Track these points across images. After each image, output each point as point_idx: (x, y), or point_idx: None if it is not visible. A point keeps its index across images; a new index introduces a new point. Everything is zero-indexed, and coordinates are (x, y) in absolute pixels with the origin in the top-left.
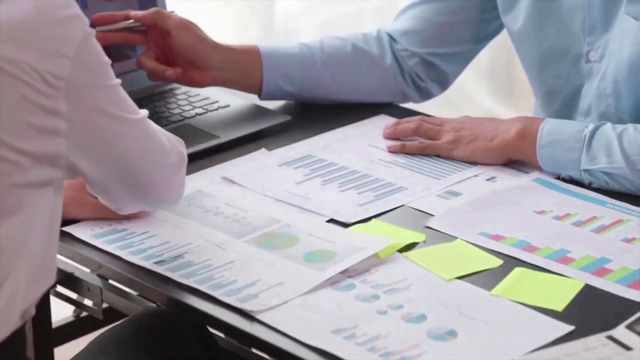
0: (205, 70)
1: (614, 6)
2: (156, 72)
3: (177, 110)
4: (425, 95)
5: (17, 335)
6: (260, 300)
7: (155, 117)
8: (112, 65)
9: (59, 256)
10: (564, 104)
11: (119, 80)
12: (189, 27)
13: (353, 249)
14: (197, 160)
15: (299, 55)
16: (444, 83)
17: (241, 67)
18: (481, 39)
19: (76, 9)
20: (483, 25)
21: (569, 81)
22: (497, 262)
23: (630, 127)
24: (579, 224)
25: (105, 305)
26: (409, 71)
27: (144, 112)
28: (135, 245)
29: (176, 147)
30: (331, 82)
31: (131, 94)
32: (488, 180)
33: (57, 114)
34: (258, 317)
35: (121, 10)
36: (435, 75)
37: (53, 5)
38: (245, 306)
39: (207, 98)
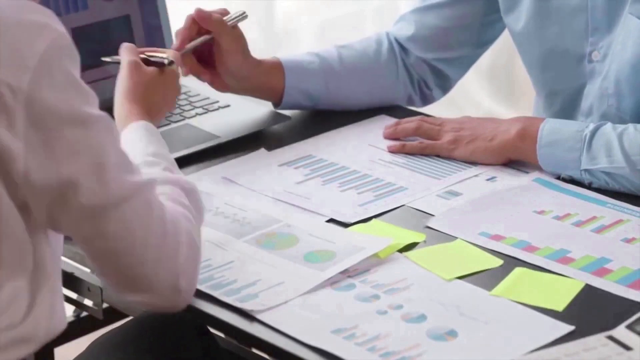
0: (233, 80)
1: (618, 6)
2: (194, 71)
3: (177, 110)
4: (427, 101)
5: None
6: (260, 300)
7: None
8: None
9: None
10: (565, 103)
11: (102, 114)
12: (241, 47)
13: (353, 249)
14: (197, 160)
15: (321, 72)
16: (446, 88)
17: (265, 81)
18: (485, 42)
19: (45, 18)
20: (487, 28)
21: (571, 81)
22: (497, 262)
23: (630, 127)
24: (579, 224)
25: (105, 305)
26: (417, 79)
27: (148, 177)
28: None
29: (180, 226)
30: (348, 96)
31: None
32: (488, 180)
33: (13, 131)
34: (258, 317)
35: (121, 9)
36: (439, 81)
37: (20, 8)
38: (245, 306)
39: (207, 98)
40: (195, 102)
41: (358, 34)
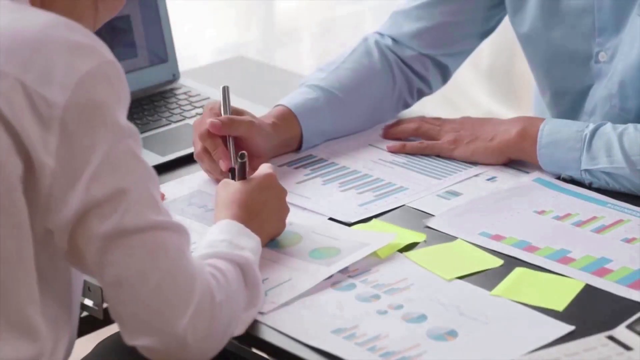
0: (257, 158)
1: (625, 8)
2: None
3: (177, 110)
4: (424, 96)
5: None
6: (269, 298)
7: (156, 117)
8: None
9: None
10: (571, 104)
11: (136, 152)
12: (258, 128)
13: (357, 245)
14: None
15: (327, 106)
16: (446, 79)
17: (284, 141)
18: (489, 32)
19: (95, 43)
20: (490, 18)
21: (578, 82)
22: (498, 262)
23: (630, 127)
24: (579, 224)
25: (105, 305)
26: (417, 85)
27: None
28: None
29: (198, 283)
30: (352, 125)
31: (131, 94)
32: (488, 180)
33: (47, 146)
34: (258, 317)
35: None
36: (441, 72)
37: (71, 29)
38: None
39: (208, 98)
40: (195, 102)
41: (358, 34)
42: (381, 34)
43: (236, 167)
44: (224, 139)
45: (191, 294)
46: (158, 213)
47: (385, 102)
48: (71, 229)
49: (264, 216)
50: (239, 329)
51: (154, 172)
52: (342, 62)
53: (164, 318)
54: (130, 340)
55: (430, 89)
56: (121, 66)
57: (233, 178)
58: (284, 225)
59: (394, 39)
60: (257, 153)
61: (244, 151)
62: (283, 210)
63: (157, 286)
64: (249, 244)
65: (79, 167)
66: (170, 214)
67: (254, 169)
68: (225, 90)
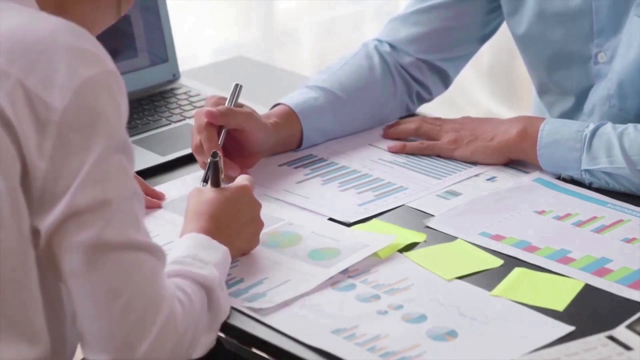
0: (260, 151)
1: (623, 8)
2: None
3: (177, 110)
4: (425, 101)
5: None
6: (268, 298)
7: (156, 117)
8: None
9: None
10: (571, 104)
11: (126, 162)
12: (257, 121)
13: (357, 247)
14: None
15: (329, 105)
16: (447, 84)
17: (284, 139)
18: (487, 37)
19: (100, 52)
20: (488, 24)
21: (578, 83)
22: (498, 262)
23: (630, 127)
24: (579, 224)
25: None
26: (416, 89)
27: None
28: None
29: (168, 310)
30: (353, 122)
31: (131, 94)
32: (488, 180)
33: (41, 149)
34: (258, 317)
35: None
36: (440, 78)
37: (78, 36)
38: (254, 305)
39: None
40: (195, 102)
41: (358, 34)
42: (379, 41)
43: (209, 166)
44: (220, 134)
45: (155, 320)
46: (139, 232)
47: (386, 105)
48: (50, 234)
49: (235, 230)
50: (197, 353)
51: (141, 192)
52: (343, 64)
53: (127, 340)
54: (89, 355)
55: (429, 94)
56: (122, 70)
57: (207, 175)
58: (256, 241)
59: (391, 45)
60: (255, 148)
61: (216, 150)
62: (256, 224)
63: (126, 306)
64: (213, 257)
65: (70, 172)
66: (150, 235)
67: (251, 165)
68: (237, 88)
